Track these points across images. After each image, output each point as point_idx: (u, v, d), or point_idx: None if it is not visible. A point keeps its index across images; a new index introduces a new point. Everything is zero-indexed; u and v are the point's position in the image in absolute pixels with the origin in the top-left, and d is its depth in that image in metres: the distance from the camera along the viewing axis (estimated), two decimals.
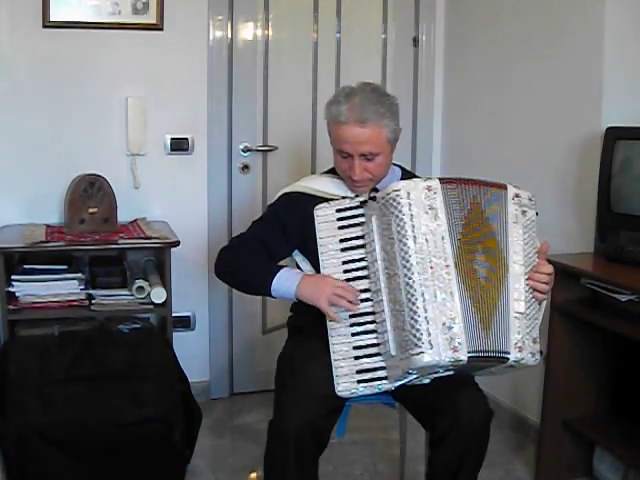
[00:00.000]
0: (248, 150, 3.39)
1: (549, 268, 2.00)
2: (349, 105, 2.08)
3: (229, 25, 3.29)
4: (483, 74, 3.33)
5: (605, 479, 2.66)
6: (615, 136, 2.51)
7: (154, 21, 3.16)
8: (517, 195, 2.00)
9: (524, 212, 1.99)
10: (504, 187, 2.00)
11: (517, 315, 1.92)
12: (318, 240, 2.03)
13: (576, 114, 2.78)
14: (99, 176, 2.95)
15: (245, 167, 3.40)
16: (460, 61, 3.49)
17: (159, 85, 3.22)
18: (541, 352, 1.98)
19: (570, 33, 2.79)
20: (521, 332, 1.91)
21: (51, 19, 3.04)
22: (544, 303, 2.04)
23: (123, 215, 3.06)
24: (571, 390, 2.64)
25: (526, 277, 1.95)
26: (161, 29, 3.18)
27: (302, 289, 2.02)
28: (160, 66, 3.21)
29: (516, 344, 1.90)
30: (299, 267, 2.21)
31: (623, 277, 2.38)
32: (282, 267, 2.09)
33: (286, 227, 2.17)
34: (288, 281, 2.04)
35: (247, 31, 3.34)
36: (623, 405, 2.68)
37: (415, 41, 3.56)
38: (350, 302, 1.96)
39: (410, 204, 1.89)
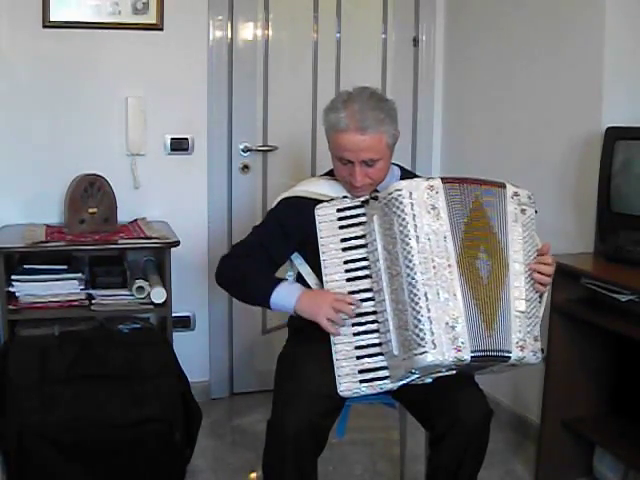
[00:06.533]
0: (248, 150, 3.39)
1: (549, 259, 2.01)
2: (348, 112, 2.06)
3: (229, 25, 3.29)
4: (483, 74, 3.33)
5: (605, 479, 2.66)
6: (615, 136, 2.51)
7: (154, 21, 3.16)
8: (516, 193, 2.00)
9: (523, 210, 2.00)
10: (503, 185, 2.00)
11: (518, 314, 1.92)
12: (319, 240, 2.03)
13: (576, 114, 2.78)
14: (99, 176, 2.95)
15: (245, 167, 3.40)
16: (460, 61, 3.49)
17: (159, 85, 3.22)
18: (542, 350, 1.99)
19: (570, 33, 2.79)
20: (522, 331, 1.91)
21: (51, 19, 3.04)
22: (544, 301, 2.05)
23: (123, 215, 3.06)
24: (571, 390, 2.64)
25: (526, 275, 1.96)
26: (161, 29, 3.18)
27: (301, 305, 2.04)
28: (160, 66, 3.21)
29: (517, 343, 1.90)
30: (298, 270, 2.20)
31: (623, 277, 2.38)
32: (281, 280, 2.09)
33: (287, 230, 2.17)
34: (287, 296, 2.05)
35: (247, 31, 3.34)
36: (623, 405, 2.68)
37: (415, 41, 3.56)
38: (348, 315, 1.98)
39: (412, 204, 1.89)
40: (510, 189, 2.00)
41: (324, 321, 1.98)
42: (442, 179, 1.95)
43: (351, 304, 1.97)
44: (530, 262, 1.97)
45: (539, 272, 1.98)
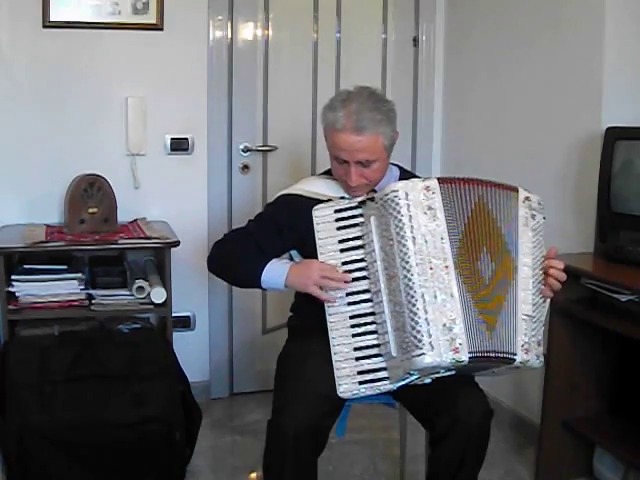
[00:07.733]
0: (248, 150, 3.39)
1: (561, 264, 2.01)
2: (345, 112, 2.05)
3: (229, 25, 3.29)
4: (483, 74, 3.33)
5: (605, 479, 2.66)
6: (615, 136, 2.51)
7: (154, 21, 3.16)
8: (527, 198, 2.00)
9: (533, 216, 2.00)
10: (515, 189, 2.00)
11: (525, 317, 1.92)
12: (317, 241, 2.02)
13: (576, 114, 2.78)
14: (99, 176, 2.95)
15: (245, 167, 3.40)
16: (460, 61, 3.49)
17: (159, 85, 3.22)
18: (544, 355, 1.99)
19: (570, 33, 2.79)
20: (527, 334, 1.91)
21: (51, 19, 3.04)
22: (547, 306, 2.04)
23: (123, 215, 3.06)
24: (571, 390, 2.64)
25: (534, 280, 1.95)
26: (161, 29, 3.18)
27: (290, 278, 2.04)
28: (160, 66, 3.21)
29: (523, 346, 1.90)
30: None
31: (623, 277, 2.38)
32: (271, 258, 2.10)
33: (282, 227, 2.17)
34: (278, 271, 2.06)
35: (247, 31, 3.34)
36: (623, 405, 2.68)
37: (415, 41, 3.56)
38: (340, 283, 1.97)
39: (409, 205, 1.89)
40: (522, 193, 2.00)
41: (316, 290, 1.99)
42: (439, 179, 1.93)
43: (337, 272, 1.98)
44: (538, 267, 1.97)
45: (553, 277, 1.98)
